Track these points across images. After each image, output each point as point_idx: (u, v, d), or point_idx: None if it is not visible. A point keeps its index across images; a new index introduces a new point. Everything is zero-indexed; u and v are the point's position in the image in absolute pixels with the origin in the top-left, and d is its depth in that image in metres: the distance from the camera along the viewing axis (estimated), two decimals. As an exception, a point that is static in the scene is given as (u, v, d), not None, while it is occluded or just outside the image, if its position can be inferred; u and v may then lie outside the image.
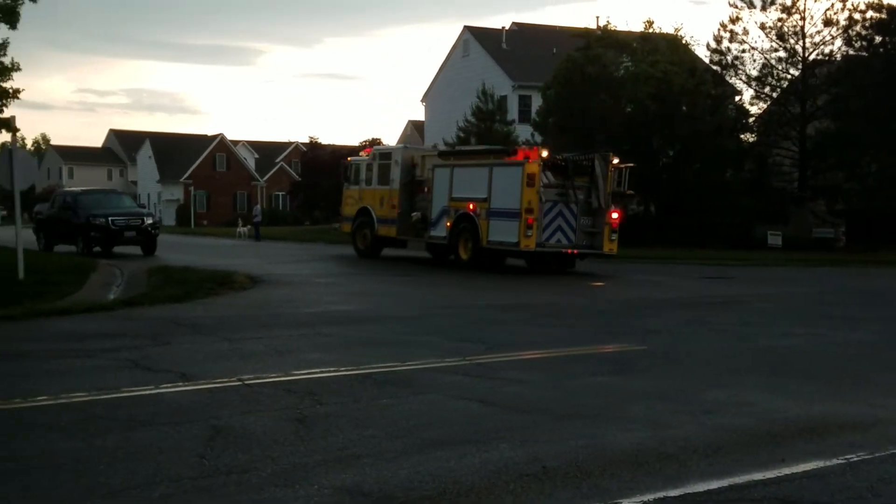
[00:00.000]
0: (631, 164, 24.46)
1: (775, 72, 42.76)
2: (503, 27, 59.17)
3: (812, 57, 41.91)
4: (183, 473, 5.68)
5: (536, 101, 46.53)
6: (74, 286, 17.22)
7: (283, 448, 6.27)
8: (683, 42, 44.13)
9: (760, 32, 42.19)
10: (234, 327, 12.39)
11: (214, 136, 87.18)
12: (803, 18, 41.58)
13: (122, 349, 10.36)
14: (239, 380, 8.56)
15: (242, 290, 17.80)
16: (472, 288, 19.89)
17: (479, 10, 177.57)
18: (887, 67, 39.09)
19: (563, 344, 11.46)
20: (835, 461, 6.20)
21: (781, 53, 42.27)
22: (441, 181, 25.34)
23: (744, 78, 43.29)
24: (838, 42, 41.65)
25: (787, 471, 5.93)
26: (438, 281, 21.69)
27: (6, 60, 24.26)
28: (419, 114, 65.91)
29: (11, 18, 23.43)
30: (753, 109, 44.80)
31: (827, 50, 41.96)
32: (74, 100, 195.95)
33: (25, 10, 23.58)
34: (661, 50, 40.92)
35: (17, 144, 19.01)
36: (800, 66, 42.15)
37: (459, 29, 62.20)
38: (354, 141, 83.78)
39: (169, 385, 8.32)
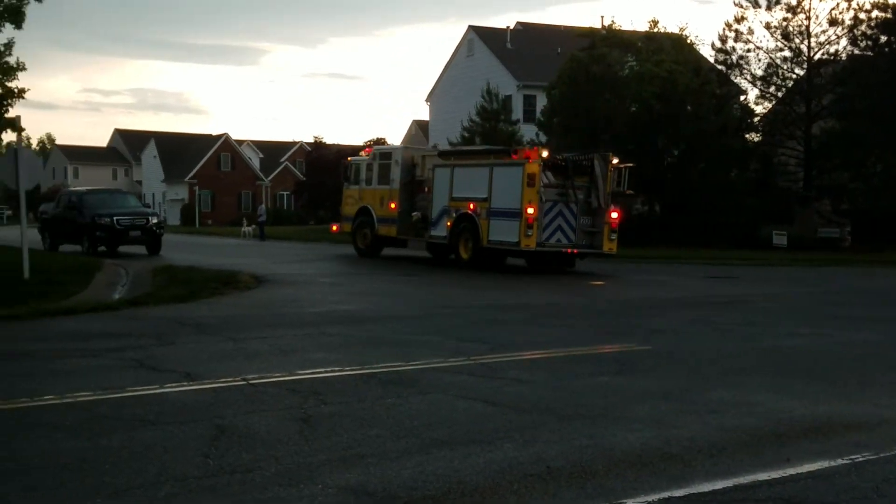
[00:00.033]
0: (630, 164, 24.56)
1: (780, 71, 42.72)
2: (508, 27, 59.16)
3: (817, 56, 41.86)
4: (188, 473, 5.69)
5: (541, 101, 46.53)
6: (79, 286, 17.25)
7: (287, 447, 6.27)
8: (688, 41, 44.07)
9: (766, 32, 42.21)
10: (238, 327, 12.40)
11: (219, 136, 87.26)
12: (808, 18, 41.55)
13: (126, 349, 10.37)
14: (243, 379, 8.57)
15: (247, 290, 17.81)
16: (474, 288, 19.89)
17: (484, 9, 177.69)
18: (892, 67, 39.02)
19: (567, 344, 11.45)
20: (840, 461, 6.19)
21: (787, 53, 42.28)
22: (441, 181, 25.43)
23: (749, 77, 43.31)
24: (843, 41, 41.67)
25: (792, 471, 5.92)
26: (441, 281, 21.70)
27: (11, 60, 24.37)
28: (424, 113, 66.04)
29: (17, 18, 23.51)
30: (758, 109, 44.81)
31: (832, 49, 41.94)
32: (79, 99, 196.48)
33: (31, 10, 23.72)
34: (666, 49, 40.86)
35: (23, 144, 19.04)
36: (805, 66, 42.10)
37: (464, 29, 62.21)
38: (359, 141, 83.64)
39: (174, 385, 8.33)
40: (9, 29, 23.82)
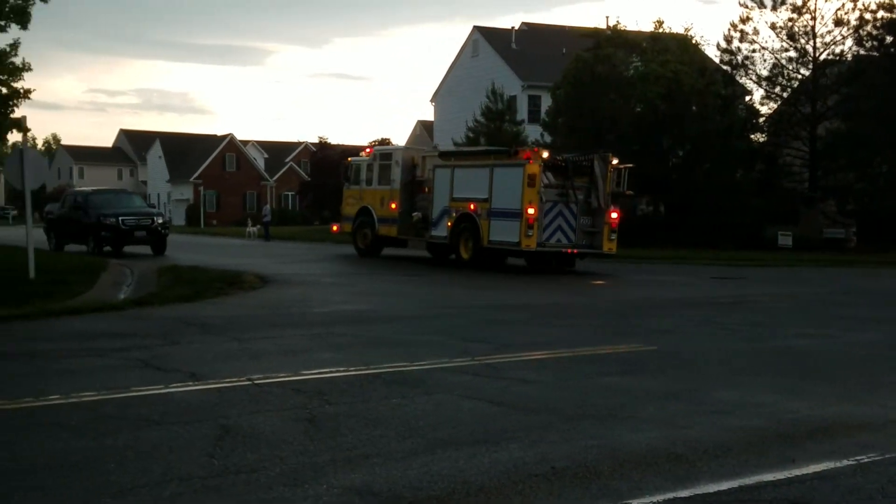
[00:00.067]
0: (630, 165, 24.68)
1: (786, 72, 42.63)
2: (513, 27, 59.18)
3: (823, 57, 41.78)
4: (193, 472, 5.69)
5: (546, 101, 46.51)
6: (85, 286, 17.27)
7: (292, 447, 6.27)
8: (693, 42, 44.00)
9: (771, 32, 42.14)
10: (243, 327, 12.41)
11: (224, 136, 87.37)
12: (814, 18, 41.46)
13: (132, 349, 10.39)
14: (248, 379, 8.57)
15: (252, 290, 17.83)
16: (477, 287, 19.90)
17: (488, 10, 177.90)
18: (898, 67, 38.94)
19: (572, 344, 11.44)
20: (846, 462, 6.17)
21: (792, 53, 42.19)
22: (442, 181, 25.60)
23: (754, 78, 43.22)
24: (849, 42, 41.57)
25: (797, 472, 5.91)
26: (443, 280, 21.72)
27: (17, 60, 24.40)
28: (429, 114, 66.00)
29: (22, 19, 23.55)
30: (764, 109, 44.74)
31: (838, 50, 41.88)
32: (85, 100, 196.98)
33: (36, 11, 23.74)
34: (671, 50, 40.82)
35: (28, 144, 19.07)
36: (810, 66, 42.01)
37: (469, 29, 62.16)
38: (364, 141, 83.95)
39: (179, 384, 8.34)
40: (14, 29, 23.88)
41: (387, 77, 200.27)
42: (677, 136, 40.23)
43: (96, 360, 9.74)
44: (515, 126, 44.93)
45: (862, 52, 41.46)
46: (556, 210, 23.40)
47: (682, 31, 44.19)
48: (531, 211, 22.73)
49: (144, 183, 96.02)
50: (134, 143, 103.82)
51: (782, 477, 5.80)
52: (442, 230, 25.42)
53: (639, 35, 43.97)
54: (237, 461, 5.94)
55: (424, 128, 75.11)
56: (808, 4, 41.28)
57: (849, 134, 40.19)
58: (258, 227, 49.07)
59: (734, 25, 42.61)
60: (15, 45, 24.26)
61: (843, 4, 40.89)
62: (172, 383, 8.37)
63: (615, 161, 23.98)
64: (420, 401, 7.84)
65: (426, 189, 26.38)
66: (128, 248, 28.72)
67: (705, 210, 38.49)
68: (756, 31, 42.29)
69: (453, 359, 9.93)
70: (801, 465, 6.07)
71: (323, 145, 74.45)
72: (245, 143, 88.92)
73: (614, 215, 23.77)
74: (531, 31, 59.09)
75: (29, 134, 19.61)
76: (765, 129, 44.65)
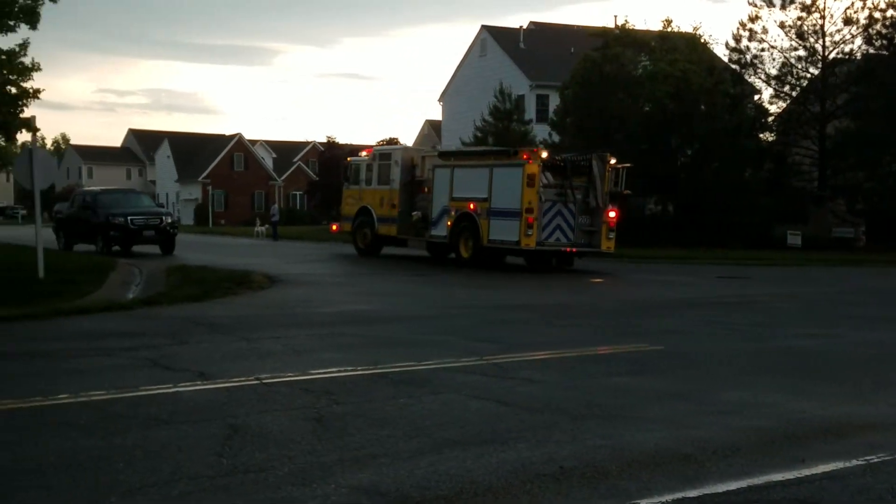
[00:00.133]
0: (628, 165, 24.89)
1: (795, 71, 42.53)
2: (521, 26, 59.13)
3: (832, 56, 41.66)
4: (201, 472, 5.71)
5: (554, 101, 46.47)
6: (94, 285, 17.32)
7: (300, 447, 6.28)
8: (702, 41, 43.90)
9: (780, 31, 42.04)
10: (251, 327, 12.43)
11: (232, 136, 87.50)
12: (823, 17, 41.35)
13: (140, 348, 10.41)
14: (257, 379, 8.59)
15: (260, 290, 17.86)
16: (481, 287, 19.93)
17: (496, 9, 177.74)
18: (907, 66, 38.82)
19: (578, 344, 11.42)
20: (855, 462, 6.15)
21: (801, 52, 42.10)
22: (441, 181, 25.84)
23: (763, 77, 43.14)
24: (858, 41, 41.47)
25: (806, 472, 5.90)
26: (447, 280, 21.74)
27: (27, 61, 24.50)
28: (437, 113, 66.01)
29: (32, 19, 23.63)
30: (773, 108, 44.60)
31: (847, 49, 41.75)
32: (94, 100, 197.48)
33: (46, 11, 23.80)
34: (680, 49, 40.74)
35: (38, 144, 19.13)
36: (819, 65, 41.89)
37: (476, 28, 62.21)
38: (372, 140, 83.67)
39: (187, 384, 8.36)
40: (24, 29, 23.97)
41: (394, 77, 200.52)
42: (686, 136, 40.16)
43: (105, 360, 9.77)
44: (523, 126, 44.90)
45: (871, 50, 41.34)
46: (555, 209, 23.71)
47: (690, 31, 44.14)
48: (531, 210, 22.97)
49: (153, 183, 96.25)
50: (143, 143, 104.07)
51: (791, 477, 5.79)
52: (442, 230, 25.67)
53: (647, 34, 43.87)
54: (245, 460, 5.95)
55: (432, 127, 75.09)
56: (818, 3, 41.19)
57: (858, 133, 40.07)
58: (266, 226, 49.14)
59: (743, 24, 42.55)
60: (24, 45, 24.35)
61: (853, 3, 40.83)
62: (181, 383, 8.39)
63: (613, 161, 24.23)
64: (427, 400, 7.84)
65: (426, 189, 26.64)
66: (136, 248, 28.80)
67: (714, 209, 38.41)
68: (765, 30, 42.25)
69: (460, 358, 9.92)
70: (810, 464, 6.05)
71: (331, 145, 74.41)
72: (253, 142, 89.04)
73: (612, 214, 24.05)
74: (539, 31, 59.04)
75: (38, 134, 19.65)
76: (774, 128, 44.53)
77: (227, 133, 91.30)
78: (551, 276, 23.16)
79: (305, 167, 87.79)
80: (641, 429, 6.93)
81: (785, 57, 42.24)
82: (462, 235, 24.96)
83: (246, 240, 44.91)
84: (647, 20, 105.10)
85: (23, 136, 29.74)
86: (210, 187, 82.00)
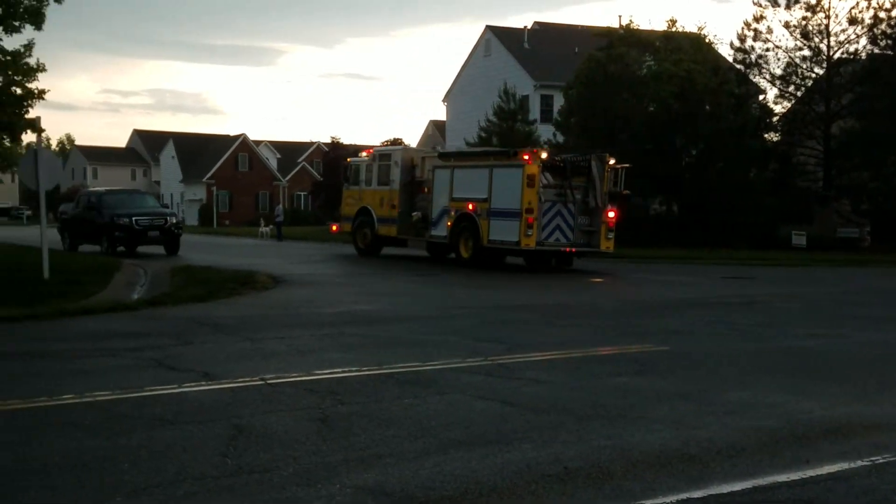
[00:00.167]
0: (627, 165, 25.00)
1: (800, 70, 42.47)
2: (525, 27, 59.12)
3: (837, 55, 41.58)
4: (206, 472, 5.71)
5: (558, 101, 46.45)
6: (99, 286, 17.35)
7: (304, 447, 6.28)
8: (707, 41, 43.84)
9: (785, 31, 41.98)
10: (256, 327, 12.44)
11: (237, 137, 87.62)
12: (828, 17, 41.27)
13: (145, 348, 10.43)
14: (261, 379, 8.59)
15: (265, 290, 17.88)
16: (484, 287, 19.93)
17: (501, 9, 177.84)
18: (913, 66, 38.74)
19: (583, 344, 11.42)
20: (860, 463, 6.14)
21: (806, 52, 42.02)
22: (441, 182, 25.96)
23: (768, 77, 43.07)
24: (863, 41, 41.37)
25: (811, 472, 5.89)
26: (449, 281, 21.74)
27: (32, 61, 24.51)
28: (441, 114, 66.00)
29: (37, 19, 23.66)
30: (777, 108, 44.56)
31: (852, 48, 41.65)
32: (99, 100, 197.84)
33: (50, 12, 23.82)
34: (685, 49, 40.69)
35: (42, 145, 19.16)
36: (824, 65, 41.82)
37: (481, 29, 62.22)
38: (376, 141, 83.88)
39: (192, 384, 8.37)
40: (29, 30, 23.99)
41: (399, 77, 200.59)
42: (690, 136, 40.11)
43: (110, 360, 9.78)
44: (528, 126, 44.90)
45: (876, 50, 41.26)
46: (554, 210, 23.82)
47: (695, 30, 44.04)
48: (530, 211, 23.07)
49: (158, 183, 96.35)
50: (147, 144, 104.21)
51: (796, 478, 5.78)
52: (441, 230, 25.78)
53: (652, 34, 43.82)
54: (250, 461, 5.95)
55: (437, 127, 75.11)
56: (822, 3, 41.11)
57: (863, 133, 40.00)
58: (271, 227, 49.20)
59: (748, 24, 42.48)
60: (29, 46, 24.37)
61: (858, 3, 40.73)
62: (186, 383, 8.40)
63: (612, 161, 24.33)
64: (432, 401, 7.84)
65: (425, 189, 26.77)
66: (141, 249, 28.85)
67: (719, 209, 38.36)
68: (770, 30, 42.18)
69: (465, 359, 9.93)
70: (815, 465, 6.04)
71: (335, 145, 74.49)
72: (258, 143, 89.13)
73: (611, 214, 24.15)
74: (544, 31, 59.03)
75: (43, 134, 19.73)
76: (778, 128, 44.46)
77: (232, 133, 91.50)
78: (551, 276, 23.20)
79: (310, 168, 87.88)
80: (646, 429, 6.93)
81: (790, 57, 42.20)
82: (462, 236, 25.07)
83: (250, 240, 44.96)
84: (651, 20, 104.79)
85: (28, 137, 29.84)
86: (214, 188, 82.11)
